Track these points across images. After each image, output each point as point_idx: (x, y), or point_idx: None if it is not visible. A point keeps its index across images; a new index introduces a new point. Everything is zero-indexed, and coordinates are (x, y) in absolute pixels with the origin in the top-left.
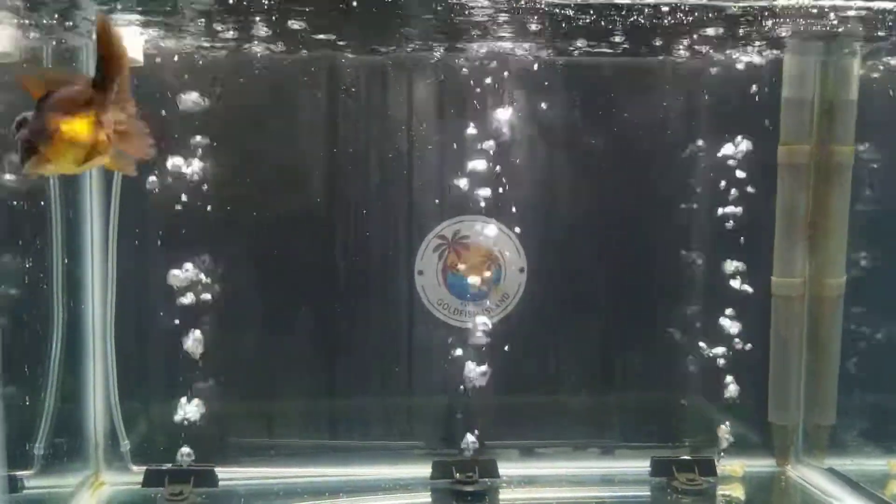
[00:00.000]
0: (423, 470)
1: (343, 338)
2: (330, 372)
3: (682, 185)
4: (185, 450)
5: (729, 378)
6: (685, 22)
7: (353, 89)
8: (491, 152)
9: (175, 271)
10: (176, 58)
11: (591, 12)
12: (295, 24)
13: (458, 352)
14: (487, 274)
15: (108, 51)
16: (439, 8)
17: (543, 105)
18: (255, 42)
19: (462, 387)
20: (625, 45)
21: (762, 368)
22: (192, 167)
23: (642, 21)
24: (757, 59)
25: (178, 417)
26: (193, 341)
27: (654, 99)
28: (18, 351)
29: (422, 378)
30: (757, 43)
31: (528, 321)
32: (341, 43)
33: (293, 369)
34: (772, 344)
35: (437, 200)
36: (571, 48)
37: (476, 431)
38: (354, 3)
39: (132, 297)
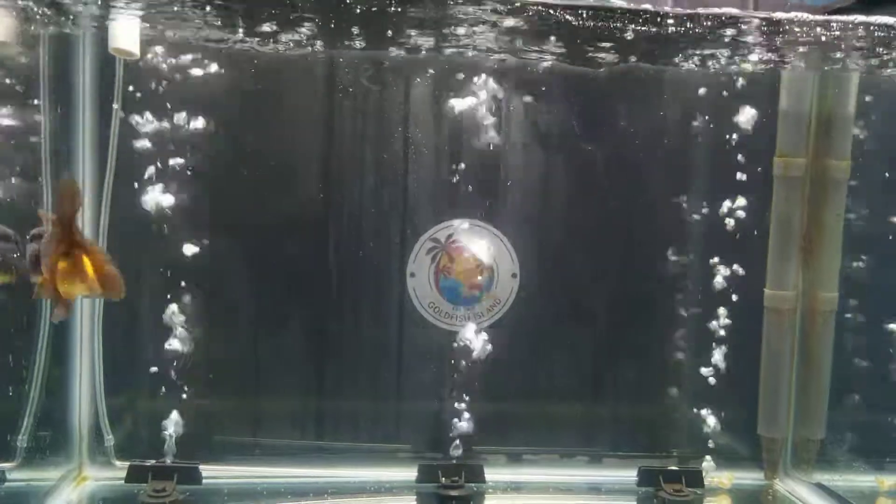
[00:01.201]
0: (409, 473)
1: (332, 338)
2: (318, 372)
3: (677, 194)
4: (170, 446)
5: (719, 389)
6: (683, 31)
7: (349, 89)
8: (486, 157)
9: (165, 268)
10: (172, 50)
11: (589, 18)
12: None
13: (448, 355)
14: (479, 279)
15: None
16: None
17: (539, 111)
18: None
19: (451, 390)
20: (622, 53)
21: (753, 381)
22: (185, 164)
23: (641, 29)
24: (755, 71)
25: (163, 414)
26: (182, 338)
27: (650, 108)
28: (4, 341)
29: (410, 381)
30: (754, 55)
31: (520, 327)
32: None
33: (281, 368)
34: (763, 356)
35: (431, 203)
36: (568, 55)
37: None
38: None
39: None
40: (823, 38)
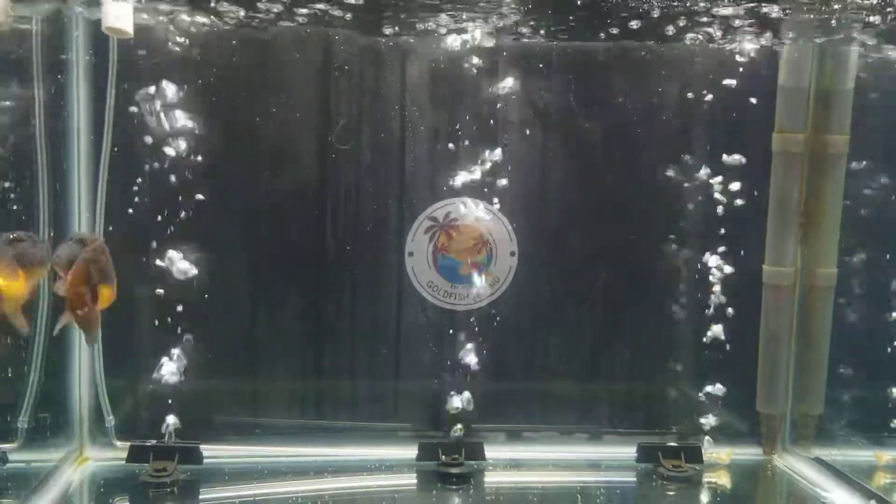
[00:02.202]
0: (410, 451)
1: (331, 318)
2: (317, 352)
3: (675, 171)
4: (171, 426)
5: (718, 366)
6: (681, 6)
7: (346, 67)
8: (485, 135)
9: (163, 248)
10: (166, 31)
11: None
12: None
13: (447, 334)
14: (477, 257)
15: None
16: None
17: (538, 89)
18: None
19: (450, 369)
20: (620, 29)
21: (751, 357)
22: (181, 146)
23: (640, 4)
24: (753, 46)
25: (163, 394)
26: (181, 319)
27: (649, 85)
28: (3, 322)
29: (409, 360)
30: (754, 28)
31: (519, 305)
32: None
33: (281, 348)
34: (761, 333)
35: (428, 182)
36: (567, 32)
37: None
38: None
39: (118, 272)
40: (823, 8)
